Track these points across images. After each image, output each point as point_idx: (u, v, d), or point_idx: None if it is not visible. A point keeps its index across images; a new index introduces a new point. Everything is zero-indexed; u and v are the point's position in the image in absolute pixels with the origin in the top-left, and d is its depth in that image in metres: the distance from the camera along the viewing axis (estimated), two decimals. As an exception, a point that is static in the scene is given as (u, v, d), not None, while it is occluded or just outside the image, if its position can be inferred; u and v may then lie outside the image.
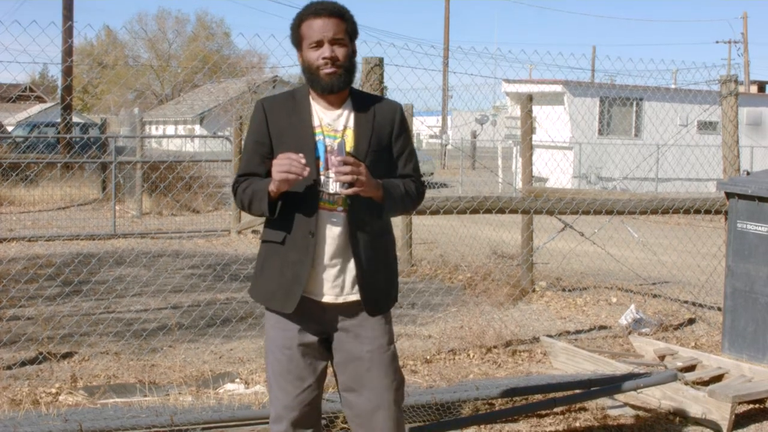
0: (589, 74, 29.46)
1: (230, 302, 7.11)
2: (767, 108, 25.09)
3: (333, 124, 2.79)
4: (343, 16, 2.76)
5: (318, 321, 2.81)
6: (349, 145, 2.75)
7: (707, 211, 6.36)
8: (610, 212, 6.29)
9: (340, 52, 2.73)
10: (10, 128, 28.58)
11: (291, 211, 2.74)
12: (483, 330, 6.12)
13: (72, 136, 18.80)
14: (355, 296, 2.79)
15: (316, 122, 2.78)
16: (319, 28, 2.72)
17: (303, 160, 2.60)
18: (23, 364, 5.25)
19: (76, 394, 4.63)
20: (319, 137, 2.76)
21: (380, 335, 2.83)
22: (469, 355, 5.75)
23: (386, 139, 2.83)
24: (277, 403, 2.83)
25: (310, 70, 2.75)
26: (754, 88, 32.32)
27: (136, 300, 7.28)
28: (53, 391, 4.68)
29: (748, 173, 6.05)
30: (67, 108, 19.24)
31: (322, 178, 2.72)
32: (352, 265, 2.77)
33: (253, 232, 12.04)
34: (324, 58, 2.71)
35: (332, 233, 2.75)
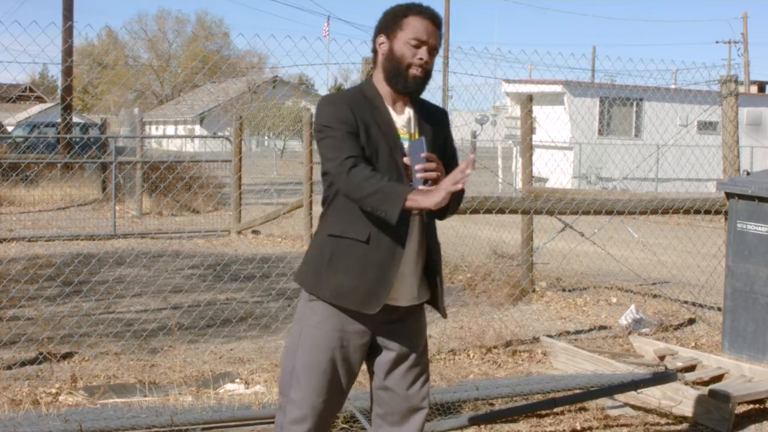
0: (589, 74, 29.48)
1: (230, 302, 7.11)
2: (767, 108, 25.09)
3: (407, 126, 2.77)
4: (441, 32, 2.78)
5: (369, 324, 2.74)
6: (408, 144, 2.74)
7: (707, 211, 6.36)
8: (610, 212, 6.29)
9: (432, 60, 2.75)
10: (10, 128, 28.60)
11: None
12: (483, 330, 6.12)
13: (72, 136, 18.81)
14: (423, 298, 2.80)
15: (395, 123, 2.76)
16: (428, 29, 2.71)
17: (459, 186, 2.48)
18: (23, 364, 5.25)
19: (76, 394, 4.63)
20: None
21: (424, 335, 2.88)
22: (469, 355, 5.75)
23: (442, 143, 2.83)
24: (304, 404, 2.73)
25: (399, 63, 2.70)
26: (754, 88, 32.32)
27: (136, 300, 7.28)
28: (53, 391, 4.68)
29: (748, 173, 6.05)
30: (67, 108, 19.23)
31: (417, 175, 2.63)
32: (422, 269, 2.78)
33: (253, 232, 12.05)
34: (421, 59, 2.70)
35: (414, 237, 2.74)
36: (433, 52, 2.73)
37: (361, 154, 2.63)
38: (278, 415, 2.83)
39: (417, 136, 2.75)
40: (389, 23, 2.75)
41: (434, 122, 2.83)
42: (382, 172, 2.63)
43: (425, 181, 2.57)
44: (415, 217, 2.73)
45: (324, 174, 2.73)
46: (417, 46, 2.70)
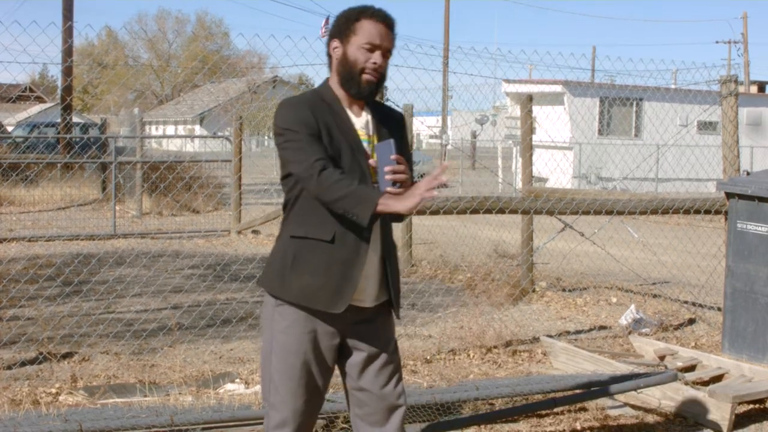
0: (589, 74, 29.47)
1: (230, 302, 7.11)
2: (767, 108, 25.09)
3: (365, 128, 2.79)
4: (394, 34, 2.78)
5: (338, 325, 2.76)
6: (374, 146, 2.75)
7: (707, 211, 6.36)
8: (610, 212, 6.29)
9: (386, 64, 2.76)
10: (10, 128, 28.59)
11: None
12: (483, 330, 6.12)
13: (72, 136, 18.80)
14: (384, 297, 2.82)
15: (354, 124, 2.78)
16: (381, 33, 2.71)
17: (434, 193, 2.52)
18: (23, 364, 5.25)
19: (76, 394, 4.63)
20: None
21: (393, 335, 2.89)
22: (469, 355, 5.75)
23: (399, 146, 2.81)
24: (284, 408, 2.76)
25: (352, 68, 2.71)
26: (754, 88, 32.33)
27: (136, 300, 7.28)
28: (53, 391, 4.68)
29: (748, 173, 6.05)
30: (67, 108, 19.23)
31: (387, 177, 2.64)
32: (381, 268, 2.79)
33: (254, 232, 12.05)
34: (374, 63, 2.70)
35: (375, 237, 2.76)
36: (387, 54, 2.75)
37: (327, 156, 2.63)
38: (265, 421, 2.86)
39: (376, 139, 2.77)
40: (342, 28, 2.75)
41: (391, 125, 2.85)
42: (346, 173, 2.64)
43: (393, 183, 2.58)
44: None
45: (286, 177, 2.73)
46: (370, 50, 2.71)
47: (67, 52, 18.43)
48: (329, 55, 2.80)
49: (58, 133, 19.80)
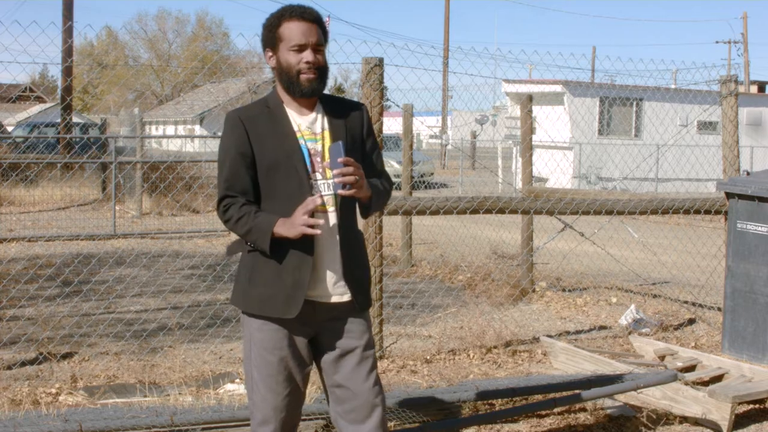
0: (589, 74, 29.49)
1: (230, 302, 7.10)
2: (767, 108, 25.09)
3: (311, 127, 2.81)
4: (320, 23, 2.79)
5: (308, 322, 2.82)
6: (327, 148, 2.77)
7: (707, 212, 6.36)
8: (610, 212, 6.29)
9: (320, 57, 2.76)
10: (10, 128, 28.59)
11: (286, 217, 2.73)
12: (483, 330, 6.12)
13: (72, 136, 18.80)
14: (347, 295, 2.82)
15: (294, 128, 2.80)
16: (303, 32, 2.73)
17: (320, 221, 2.67)
18: (23, 364, 5.25)
19: (76, 394, 4.63)
20: (300, 142, 2.78)
21: (366, 331, 2.89)
22: (469, 355, 5.75)
23: (358, 139, 2.88)
24: (265, 405, 2.82)
25: (288, 73, 2.75)
26: (754, 88, 32.35)
27: (136, 300, 7.28)
28: (53, 391, 4.68)
29: (748, 173, 6.05)
30: (67, 108, 19.22)
31: (311, 182, 2.75)
32: (341, 265, 2.80)
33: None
34: (307, 62, 2.73)
35: (326, 234, 2.77)
36: (318, 48, 2.75)
37: (246, 175, 2.75)
38: (251, 421, 2.92)
39: (326, 135, 2.80)
40: (268, 37, 2.80)
41: (347, 118, 2.86)
42: (281, 181, 2.74)
43: (344, 185, 2.65)
44: (331, 215, 2.77)
45: None
46: (299, 51, 2.74)
47: (67, 52, 18.43)
48: (270, 65, 2.85)
49: (58, 133, 19.79)
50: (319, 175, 2.75)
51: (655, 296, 7.95)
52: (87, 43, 59.10)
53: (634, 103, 23.14)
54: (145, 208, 14.31)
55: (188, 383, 4.88)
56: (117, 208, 12.75)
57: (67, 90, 20.07)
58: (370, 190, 2.78)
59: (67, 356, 5.44)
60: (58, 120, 20.46)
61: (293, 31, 2.73)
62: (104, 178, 15.51)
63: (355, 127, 2.87)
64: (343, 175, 2.63)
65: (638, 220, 13.86)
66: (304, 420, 3.82)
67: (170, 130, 48.34)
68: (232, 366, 5.36)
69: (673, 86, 18.67)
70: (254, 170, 2.77)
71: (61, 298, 7.18)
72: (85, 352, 5.54)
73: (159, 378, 5.03)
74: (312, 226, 2.65)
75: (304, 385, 2.89)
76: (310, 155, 2.76)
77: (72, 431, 3.52)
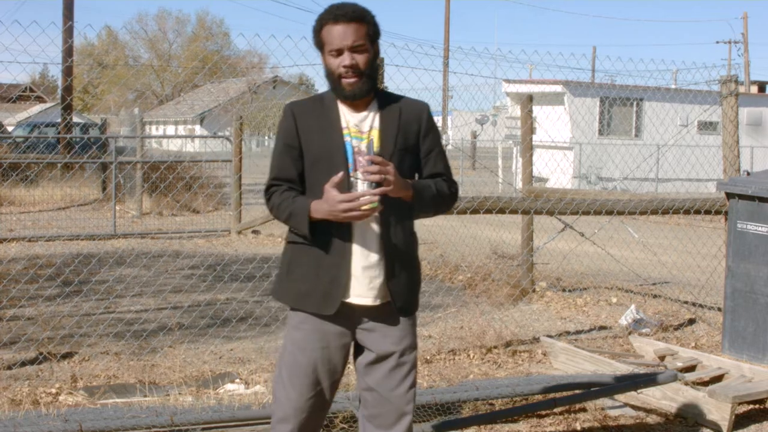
0: (589, 74, 29.49)
1: (230, 302, 7.11)
2: (767, 108, 25.09)
3: (359, 125, 2.78)
4: (363, 19, 2.72)
5: (346, 324, 2.79)
6: (376, 146, 2.74)
7: (707, 212, 6.36)
8: (610, 212, 6.29)
9: (360, 58, 2.71)
10: (10, 128, 28.59)
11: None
12: (483, 330, 6.12)
13: (72, 136, 18.80)
14: (389, 298, 2.79)
15: (343, 124, 2.77)
16: (338, 35, 2.70)
17: (364, 205, 2.61)
18: (23, 364, 5.25)
19: (76, 394, 4.63)
20: (347, 139, 2.76)
21: (406, 336, 2.84)
22: (469, 355, 5.75)
23: (413, 139, 2.82)
24: (288, 404, 2.80)
25: (331, 77, 2.75)
26: (754, 89, 32.33)
27: (137, 300, 7.28)
28: (53, 391, 4.68)
29: (748, 173, 6.05)
30: (67, 108, 19.23)
31: (352, 179, 2.71)
32: (383, 267, 2.76)
33: (253, 232, 12.05)
34: (344, 67, 2.69)
35: (366, 234, 2.74)
36: (358, 49, 2.71)
37: (293, 165, 2.78)
38: (272, 416, 2.91)
39: (373, 134, 2.78)
40: (316, 41, 2.80)
41: (402, 117, 2.81)
42: (323, 175, 2.70)
43: (371, 183, 2.62)
44: (373, 215, 2.71)
45: None
46: (337, 55, 2.72)
47: (68, 52, 18.43)
48: None
49: (59, 133, 19.79)
50: (359, 174, 2.69)
51: (655, 296, 7.95)
52: (87, 43, 59.15)
53: (635, 103, 23.14)
54: (145, 208, 14.30)
55: (188, 383, 4.88)
56: (117, 208, 12.75)
57: (68, 90, 20.07)
58: (410, 189, 2.72)
59: (67, 356, 5.44)
60: (59, 120, 20.47)
61: (330, 35, 2.71)
62: (104, 178, 15.50)
63: (410, 126, 2.81)
64: (367, 173, 2.60)
65: (638, 220, 13.86)
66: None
67: (170, 130, 48.34)
68: (232, 366, 5.36)
69: (673, 86, 18.68)
70: (302, 162, 2.78)
71: (61, 298, 7.18)
72: (85, 352, 5.54)
73: (159, 378, 5.02)
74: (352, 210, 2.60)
75: (332, 392, 2.85)
76: (354, 153, 2.73)
77: (72, 431, 3.52)
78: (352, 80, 2.71)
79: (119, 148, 15.72)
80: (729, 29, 79.31)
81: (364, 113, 2.79)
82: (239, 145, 12.47)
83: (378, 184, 2.62)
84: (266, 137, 39.38)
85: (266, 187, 2.83)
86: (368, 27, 2.74)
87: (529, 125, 7.89)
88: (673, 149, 19.80)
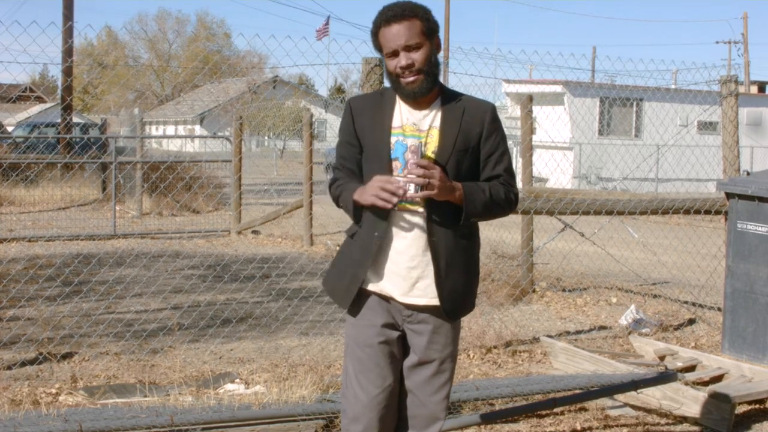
0: (589, 75, 29.48)
1: (230, 303, 7.11)
2: (767, 108, 25.09)
3: (418, 123, 2.75)
4: (415, 16, 2.69)
5: (398, 319, 2.80)
6: (434, 145, 2.72)
7: (707, 212, 6.36)
8: (610, 212, 6.29)
9: (417, 56, 2.68)
10: (10, 128, 28.59)
11: (368, 210, 2.73)
12: (483, 330, 6.12)
13: (72, 136, 18.79)
14: (435, 300, 2.76)
15: (397, 122, 2.75)
16: (392, 37, 2.68)
17: (398, 190, 2.59)
18: (23, 364, 5.25)
19: (76, 394, 4.63)
20: (398, 138, 2.73)
21: (450, 343, 2.83)
22: (469, 355, 5.75)
23: (474, 140, 2.76)
24: (356, 403, 2.77)
25: (391, 77, 2.75)
26: (754, 89, 32.35)
27: (136, 300, 7.28)
28: (53, 391, 4.68)
29: (748, 173, 6.05)
30: (67, 108, 19.22)
31: (401, 179, 2.63)
32: (431, 268, 2.74)
33: (253, 232, 12.05)
34: (401, 68, 2.68)
35: (411, 234, 2.73)
36: (413, 47, 2.68)
37: (354, 158, 2.84)
38: (341, 416, 2.88)
39: (432, 133, 2.74)
40: (375, 45, 2.80)
41: (464, 117, 2.76)
42: (373, 171, 2.73)
43: (416, 186, 2.61)
44: (420, 216, 2.70)
45: None
46: (393, 56, 2.71)
47: (68, 52, 18.41)
48: None
49: (59, 133, 19.79)
50: (403, 175, 2.66)
51: (655, 296, 7.95)
52: (87, 43, 59.20)
53: (635, 103, 23.15)
54: (145, 208, 14.30)
55: (188, 383, 4.88)
56: (117, 208, 12.75)
57: (68, 90, 20.07)
58: (458, 193, 2.68)
59: (67, 356, 5.44)
60: (58, 120, 20.46)
61: (385, 37, 2.70)
62: (104, 178, 15.50)
63: (472, 127, 2.76)
64: (411, 176, 2.58)
65: (638, 220, 13.86)
66: (305, 420, 3.83)
67: (170, 130, 48.34)
68: (232, 366, 5.36)
69: (673, 86, 18.67)
70: (362, 155, 2.83)
71: (61, 298, 7.18)
72: (85, 352, 5.54)
73: (159, 378, 5.02)
74: (386, 200, 2.61)
75: (398, 385, 2.82)
76: (407, 151, 2.69)
77: (72, 431, 3.52)
78: (410, 79, 2.69)
79: (119, 148, 15.71)
80: (729, 29, 79.26)
81: (426, 111, 2.76)
82: (239, 145, 12.48)
83: (422, 187, 2.60)
84: (266, 137, 39.38)
85: (331, 181, 2.89)
86: (422, 23, 2.70)
87: (529, 125, 7.89)
88: (673, 149, 19.81)
